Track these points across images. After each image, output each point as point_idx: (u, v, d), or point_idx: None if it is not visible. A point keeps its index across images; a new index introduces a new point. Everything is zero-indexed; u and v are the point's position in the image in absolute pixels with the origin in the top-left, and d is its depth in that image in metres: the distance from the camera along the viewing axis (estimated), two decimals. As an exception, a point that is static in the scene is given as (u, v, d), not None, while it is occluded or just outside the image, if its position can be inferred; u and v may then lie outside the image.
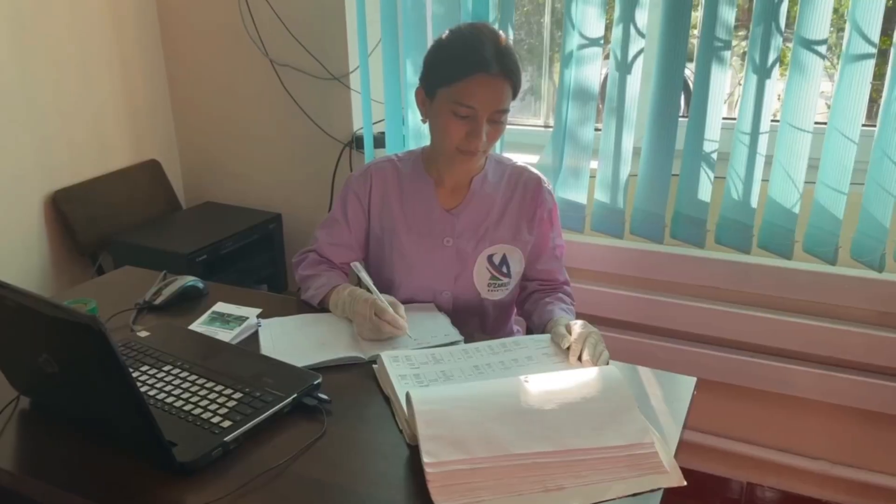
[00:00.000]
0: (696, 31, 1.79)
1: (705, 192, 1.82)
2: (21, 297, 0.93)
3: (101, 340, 0.85)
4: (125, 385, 0.90)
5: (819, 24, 1.59)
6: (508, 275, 1.48)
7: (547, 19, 2.19)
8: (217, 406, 1.06)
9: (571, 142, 1.93)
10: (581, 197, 1.96)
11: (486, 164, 1.47)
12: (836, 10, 1.63)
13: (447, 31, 1.37)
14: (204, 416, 1.04)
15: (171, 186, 2.54)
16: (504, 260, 1.46)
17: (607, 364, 1.21)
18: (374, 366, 1.23)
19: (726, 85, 1.75)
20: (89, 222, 2.24)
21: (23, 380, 1.11)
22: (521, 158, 1.53)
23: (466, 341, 1.31)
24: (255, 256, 2.36)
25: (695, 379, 1.23)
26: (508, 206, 1.46)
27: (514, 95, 1.35)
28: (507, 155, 1.56)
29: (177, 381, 1.13)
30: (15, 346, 1.05)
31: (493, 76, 1.29)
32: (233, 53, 2.39)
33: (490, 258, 1.46)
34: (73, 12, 2.18)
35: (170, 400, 1.08)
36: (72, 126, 2.23)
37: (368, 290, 1.35)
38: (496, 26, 1.88)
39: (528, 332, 1.59)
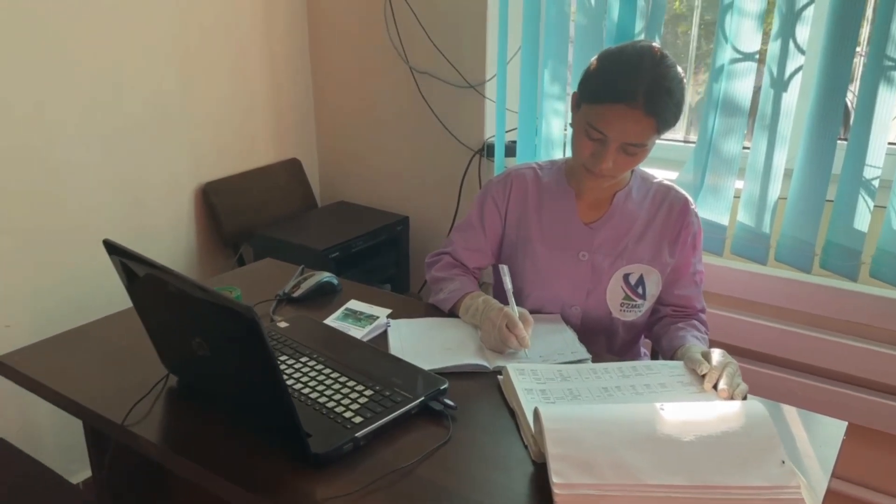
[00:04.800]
0: (860, 49, 1.66)
1: (862, 221, 1.67)
2: (181, 282, 0.99)
3: (254, 329, 0.89)
4: (271, 373, 0.93)
5: None
6: (643, 296, 1.42)
7: (694, 31, 2.10)
8: (349, 401, 1.09)
9: (716, 158, 1.83)
10: (722, 217, 1.86)
11: (630, 179, 1.43)
12: None
13: (616, 46, 1.31)
14: (337, 409, 1.07)
15: (308, 184, 2.66)
16: (640, 280, 1.41)
17: (744, 398, 1.14)
18: (499, 377, 1.22)
19: (894, 107, 1.60)
20: (234, 214, 2.39)
21: (174, 359, 1.18)
22: (656, 174, 1.47)
23: (593, 361, 1.28)
24: (381, 256, 2.42)
25: (846, 423, 1.13)
26: (651, 224, 1.41)
27: (660, 132, 1.27)
28: (645, 170, 1.50)
29: (312, 373, 1.17)
30: (171, 327, 1.12)
31: (634, 109, 1.22)
32: (375, 59, 2.46)
33: (626, 277, 1.41)
34: (229, 21, 2.33)
35: (305, 391, 1.12)
36: (223, 124, 2.38)
37: (507, 295, 1.33)
38: (642, 36, 1.83)
39: (654, 354, 1.53)
